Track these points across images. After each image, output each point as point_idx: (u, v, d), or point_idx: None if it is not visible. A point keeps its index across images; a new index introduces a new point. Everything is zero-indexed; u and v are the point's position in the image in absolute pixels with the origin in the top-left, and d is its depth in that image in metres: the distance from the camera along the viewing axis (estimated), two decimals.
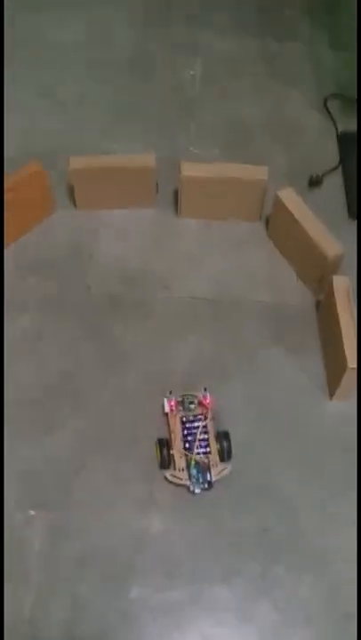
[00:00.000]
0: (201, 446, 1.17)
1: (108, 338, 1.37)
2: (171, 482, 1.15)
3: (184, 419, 1.20)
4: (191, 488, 1.14)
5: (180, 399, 1.21)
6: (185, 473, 1.14)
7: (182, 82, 1.91)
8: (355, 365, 1.18)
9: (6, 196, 1.42)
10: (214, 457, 1.16)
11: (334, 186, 1.67)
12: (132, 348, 1.35)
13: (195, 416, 1.19)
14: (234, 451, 1.17)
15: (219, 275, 1.48)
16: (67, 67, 1.92)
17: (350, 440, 1.24)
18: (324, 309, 1.37)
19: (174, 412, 1.20)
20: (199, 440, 1.17)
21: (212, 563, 1.10)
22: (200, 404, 1.21)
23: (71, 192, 1.57)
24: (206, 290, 1.44)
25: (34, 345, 1.35)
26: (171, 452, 1.15)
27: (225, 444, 1.16)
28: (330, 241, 1.36)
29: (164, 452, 1.15)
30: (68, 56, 1.95)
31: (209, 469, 1.14)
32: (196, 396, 1.21)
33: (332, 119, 1.83)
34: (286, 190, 1.46)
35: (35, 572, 1.08)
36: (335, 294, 1.29)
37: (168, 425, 1.20)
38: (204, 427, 1.18)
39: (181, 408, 1.20)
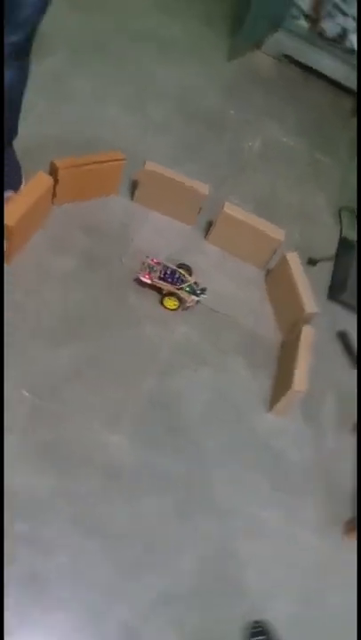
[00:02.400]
0: (180, 279, 1.74)
1: (122, 301, 1.71)
2: (189, 306, 1.75)
3: (161, 274, 1.72)
4: (198, 299, 1.74)
5: (147, 270, 1.71)
6: (191, 296, 1.72)
7: (241, 147, 2.36)
8: (302, 388, 1.55)
9: (89, 166, 1.77)
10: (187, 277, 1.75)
11: (325, 271, 2.10)
12: (135, 313, 1.70)
13: (162, 271, 1.74)
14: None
15: (223, 292, 1.86)
16: (162, 99, 2.34)
17: (269, 436, 1.60)
18: (288, 345, 1.76)
19: (153, 278, 1.71)
20: (176, 277, 1.74)
21: None
22: (156, 263, 1.75)
23: (134, 186, 1.94)
24: (211, 298, 1.80)
25: (63, 279, 1.68)
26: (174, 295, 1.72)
27: (185, 266, 1.78)
28: (310, 299, 1.76)
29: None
30: (165, 93, 2.38)
31: (196, 283, 1.75)
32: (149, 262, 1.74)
33: (340, 225, 2.29)
34: (293, 254, 1.87)
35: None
36: (301, 338, 1.68)
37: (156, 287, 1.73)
38: (168, 267, 1.74)
39: (153, 273, 1.72)
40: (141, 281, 1.72)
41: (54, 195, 1.76)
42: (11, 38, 1.38)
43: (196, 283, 1.75)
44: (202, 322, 1.77)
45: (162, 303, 1.75)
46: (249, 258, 1.97)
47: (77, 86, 2.22)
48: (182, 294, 1.72)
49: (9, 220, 1.55)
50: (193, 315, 1.77)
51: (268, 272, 1.98)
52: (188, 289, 1.73)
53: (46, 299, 1.63)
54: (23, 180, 1.77)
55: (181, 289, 1.72)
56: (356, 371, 1.88)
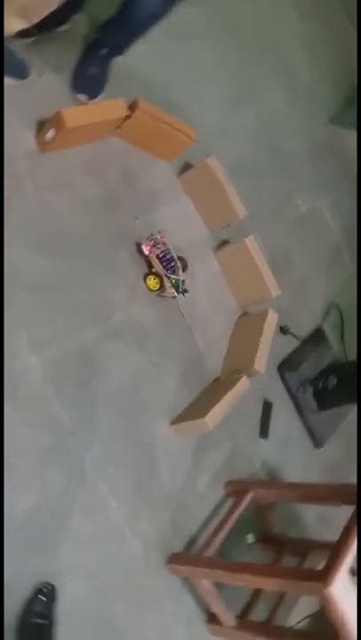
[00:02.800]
0: (174, 268, 1.76)
1: (113, 252, 1.73)
2: (165, 296, 1.76)
3: (160, 254, 1.74)
4: (176, 295, 1.76)
5: (152, 243, 1.74)
6: (172, 289, 1.75)
7: (289, 199, 2.42)
8: (211, 425, 1.59)
9: (163, 124, 1.78)
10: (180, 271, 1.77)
11: (290, 344, 2.16)
12: (117, 269, 1.72)
13: (163, 252, 1.76)
14: None
15: (200, 305, 1.89)
16: (253, 115, 2.39)
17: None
18: (221, 383, 1.81)
19: (152, 253, 1.72)
20: (171, 264, 1.76)
21: None
22: (163, 243, 1.77)
23: (185, 167, 1.96)
24: (187, 302, 1.84)
25: (75, 199, 1.68)
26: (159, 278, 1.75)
27: (184, 261, 1.81)
28: (262, 360, 1.82)
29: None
30: (261, 112, 2.43)
31: (183, 282, 1.78)
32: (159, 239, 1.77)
33: (325, 316, 2.37)
34: (274, 314, 1.93)
35: None
36: (236, 385, 1.73)
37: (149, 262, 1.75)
38: (170, 253, 1.77)
39: (155, 249, 1.74)
40: (141, 249, 1.74)
41: (119, 126, 1.76)
42: None
43: (183, 281, 1.78)
44: (166, 315, 1.79)
45: (144, 278, 1.76)
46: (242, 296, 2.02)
47: (199, 55, 2.22)
48: (166, 282, 1.75)
49: (69, 121, 1.54)
50: (163, 304, 1.79)
51: (244, 313, 2.03)
52: (174, 282, 1.76)
53: (50, 205, 1.62)
54: (102, 95, 1.76)
55: (169, 278, 1.75)
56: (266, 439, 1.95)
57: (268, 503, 1.77)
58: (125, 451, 1.58)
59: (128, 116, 1.72)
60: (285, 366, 2.12)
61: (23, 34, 1.63)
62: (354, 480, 1.72)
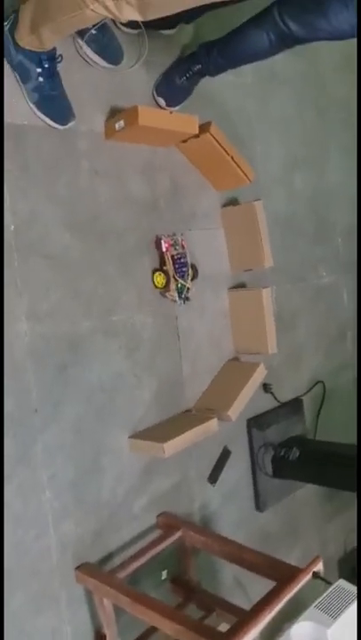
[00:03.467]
0: (183, 273, 1.78)
1: (148, 258, 1.73)
2: (166, 297, 1.77)
3: (176, 256, 1.76)
4: (177, 300, 1.78)
5: (171, 242, 1.76)
6: (175, 293, 1.76)
7: (316, 269, 2.44)
8: (167, 454, 1.58)
9: (227, 155, 1.80)
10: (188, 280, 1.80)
11: (267, 402, 2.16)
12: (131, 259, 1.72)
13: (179, 256, 1.78)
14: None
15: (195, 326, 1.89)
16: (314, 179, 2.43)
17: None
18: (190, 416, 1.79)
19: (168, 251, 1.74)
20: (183, 269, 1.78)
21: None
22: (182, 246, 1.79)
23: (232, 203, 1.98)
24: (184, 312, 1.84)
25: (119, 193, 1.69)
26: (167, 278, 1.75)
27: (195, 270, 1.84)
28: (236, 410, 1.81)
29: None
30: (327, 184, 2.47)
31: (188, 290, 1.80)
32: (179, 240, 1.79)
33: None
34: (263, 370, 1.93)
35: None
36: (203, 425, 1.72)
37: (163, 258, 1.76)
38: (185, 258, 1.79)
39: (172, 248, 1.76)
40: (160, 243, 1.75)
41: (185, 141, 1.78)
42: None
43: (188, 289, 1.79)
44: (163, 332, 1.79)
45: (153, 273, 1.76)
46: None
47: (281, 103, 2.27)
48: (172, 284, 1.76)
49: (142, 119, 1.55)
50: (164, 321, 1.79)
51: (235, 358, 2.03)
52: (179, 286, 1.77)
53: (97, 189, 1.63)
54: (180, 106, 1.79)
55: (176, 281, 1.76)
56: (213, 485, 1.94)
57: (194, 547, 1.75)
58: (78, 447, 1.56)
59: (196, 135, 1.75)
60: (256, 423, 2.11)
61: (131, 25, 1.67)
62: (281, 555, 1.70)
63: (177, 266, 1.76)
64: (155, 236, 1.77)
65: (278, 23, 1.49)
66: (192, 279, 1.82)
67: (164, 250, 1.75)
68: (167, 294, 1.77)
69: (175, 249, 1.77)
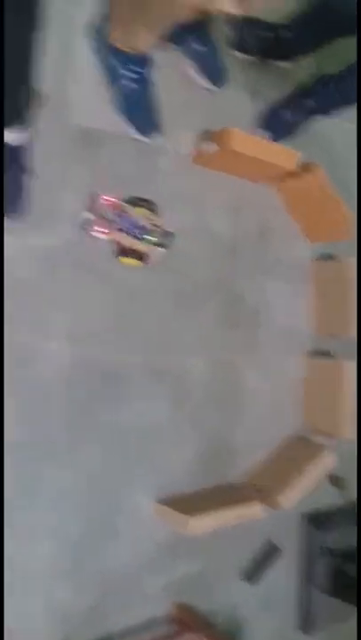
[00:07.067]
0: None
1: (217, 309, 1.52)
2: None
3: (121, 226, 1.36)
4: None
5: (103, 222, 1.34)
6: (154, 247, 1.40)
7: None
8: (191, 531, 1.31)
9: (327, 202, 1.59)
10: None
11: (333, 498, 1.82)
12: None
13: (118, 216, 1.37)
14: None
15: None
16: None
17: None
18: (233, 488, 1.51)
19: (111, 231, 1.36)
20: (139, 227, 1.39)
21: None
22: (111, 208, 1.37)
23: (324, 256, 1.76)
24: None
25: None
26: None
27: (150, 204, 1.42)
28: (293, 495, 1.50)
29: None
30: None
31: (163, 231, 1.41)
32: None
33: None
34: (334, 457, 1.61)
35: None
36: (244, 507, 1.42)
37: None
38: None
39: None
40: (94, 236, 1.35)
41: (283, 181, 1.60)
42: None
43: (161, 228, 1.41)
44: (223, 389, 1.54)
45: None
46: None
47: None
48: (142, 247, 1.39)
49: (236, 143, 1.39)
50: (228, 377, 1.55)
51: (302, 436, 1.72)
52: (150, 240, 1.40)
53: (175, 214, 1.46)
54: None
55: (142, 240, 1.38)
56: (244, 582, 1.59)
57: None
58: (93, 498, 1.32)
59: (296, 175, 1.55)
60: (314, 520, 1.75)
61: (245, 50, 1.56)
62: None
63: (129, 232, 1.36)
64: (227, 278, 1.56)
65: None
66: (152, 213, 1.40)
67: (105, 237, 1.35)
68: (151, 259, 1.40)
69: (111, 221, 1.34)
